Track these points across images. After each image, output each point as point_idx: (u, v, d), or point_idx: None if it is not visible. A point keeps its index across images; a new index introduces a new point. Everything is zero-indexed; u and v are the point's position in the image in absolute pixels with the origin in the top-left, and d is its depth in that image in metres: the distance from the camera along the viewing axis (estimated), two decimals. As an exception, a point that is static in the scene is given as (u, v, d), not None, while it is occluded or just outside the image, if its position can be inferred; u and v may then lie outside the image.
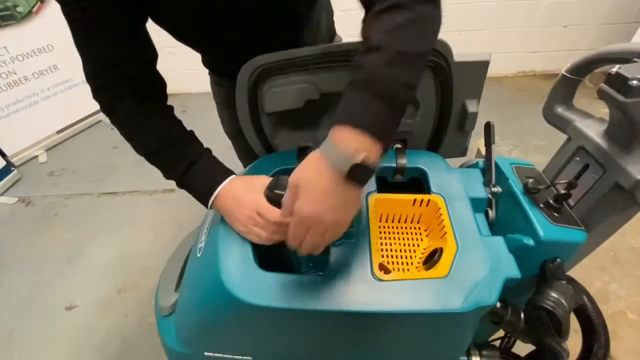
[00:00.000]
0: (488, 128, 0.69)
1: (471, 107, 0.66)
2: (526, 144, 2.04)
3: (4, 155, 2.00)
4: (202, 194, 0.57)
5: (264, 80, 0.64)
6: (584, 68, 0.57)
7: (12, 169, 2.00)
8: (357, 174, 0.38)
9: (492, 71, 2.49)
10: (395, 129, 0.41)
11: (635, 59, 0.48)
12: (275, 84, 0.64)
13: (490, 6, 2.42)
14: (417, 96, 0.66)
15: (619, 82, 0.44)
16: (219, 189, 0.55)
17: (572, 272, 1.49)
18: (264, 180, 0.55)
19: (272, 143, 0.75)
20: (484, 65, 0.61)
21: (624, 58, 0.50)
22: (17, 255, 1.59)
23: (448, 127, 0.70)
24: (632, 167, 0.48)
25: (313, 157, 0.40)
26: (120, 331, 1.28)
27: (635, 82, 0.42)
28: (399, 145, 0.71)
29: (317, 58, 0.60)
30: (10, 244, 1.65)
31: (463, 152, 0.77)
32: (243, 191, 0.54)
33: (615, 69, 0.45)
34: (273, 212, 0.51)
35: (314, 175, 0.39)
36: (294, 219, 0.42)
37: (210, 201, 0.57)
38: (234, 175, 0.58)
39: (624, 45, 0.50)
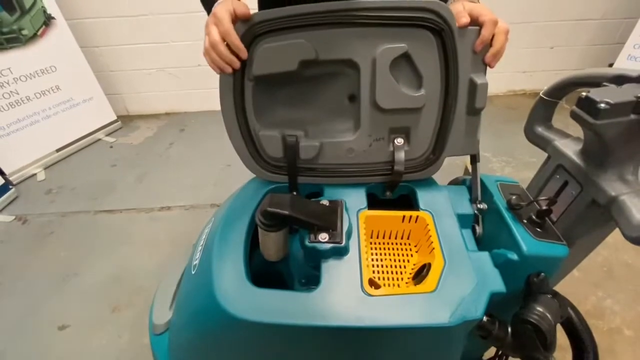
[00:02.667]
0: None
1: (480, 79, 0.61)
2: (518, 161, 2.08)
3: (2, 174, 2.01)
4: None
5: (257, 40, 0.60)
6: (559, 91, 0.60)
7: (10, 187, 2.01)
8: None
9: (482, 90, 2.47)
10: None
11: (604, 83, 0.51)
12: (268, 42, 0.60)
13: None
14: (419, 67, 0.61)
15: (589, 105, 0.47)
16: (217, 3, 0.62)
17: (567, 288, 1.50)
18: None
19: (252, 129, 0.68)
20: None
21: (595, 82, 0.53)
22: (11, 274, 1.58)
23: (456, 106, 0.64)
24: (607, 184, 0.50)
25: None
26: (113, 352, 1.26)
27: (603, 105, 0.45)
28: (400, 140, 0.67)
29: (318, 15, 0.58)
30: (5, 263, 1.64)
31: (474, 146, 0.68)
32: (222, 6, 0.60)
33: (585, 93, 0.48)
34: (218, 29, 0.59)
35: None
36: (502, 32, 0.59)
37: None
38: None
39: (594, 71, 0.54)
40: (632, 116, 0.46)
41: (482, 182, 0.67)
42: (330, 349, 0.54)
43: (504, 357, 0.73)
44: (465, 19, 0.57)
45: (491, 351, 0.75)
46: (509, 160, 2.12)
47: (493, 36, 0.58)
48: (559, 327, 0.55)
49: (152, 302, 0.85)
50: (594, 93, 0.47)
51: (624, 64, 2.31)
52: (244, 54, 0.61)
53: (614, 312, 1.31)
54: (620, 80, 0.50)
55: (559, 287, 1.42)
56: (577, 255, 0.60)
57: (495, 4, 2.74)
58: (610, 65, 2.48)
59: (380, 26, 0.58)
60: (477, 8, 0.58)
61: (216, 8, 0.60)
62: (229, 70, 0.61)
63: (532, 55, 2.69)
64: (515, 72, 2.78)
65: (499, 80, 2.80)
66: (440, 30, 0.58)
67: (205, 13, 0.69)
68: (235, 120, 0.67)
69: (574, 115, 0.49)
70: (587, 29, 2.59)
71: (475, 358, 0.80)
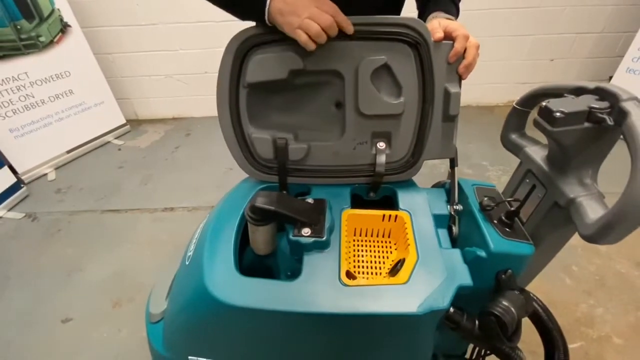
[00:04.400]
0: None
1: (453, 88, 0.67)
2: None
3: (15, 173, 2.10)
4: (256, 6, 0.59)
5: (251, 51, 0.65)
6: (530, 101, 0.65)
7: (22, 185, 2.10)
8: None
9: (483, 100, 2.60)
10: None
11: (565, 94, 0.56)
12: (261, 53, 0.65)
13: (479, 40, 2.57)
14: (398, 77, 0.67)
15: (547, 114, 0.51)
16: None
17: (558, 296, 1.50)
18: None
19: (246, 132, 0.73)
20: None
21: (558, 93, 0.57)
22: (19, 269, 1.65)
23: (433, 113, 0.69)
24: (567, 187, 0.54)
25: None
26: (113, 345, 1.31)
27: (558, 114, 0.49)
28: (382, 144, 0.72)
29: None
30: (14, 258, 1.71)
31: (451, 151, 0.73)
32: None
33: (544, 103, 0.52)
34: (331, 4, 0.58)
35: None
36: (473, 46, 0.64)
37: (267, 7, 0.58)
38: None
39: (557, 83, 0.58)
40: (586, 124, 0.50)
41: (459, 185, 0.71)
42: (308, 333, 0.58)
43: (482, 352, 0.76)
44: (440, 34, 0.62)
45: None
46: (506, 169, 2.14)
47: (465, 50, 0.63)
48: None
49: (150, 293, 0.90)
50: (552, 103, 0.51)
51: (623, 77, 2.34)
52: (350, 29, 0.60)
53: (604, 320, 1.32)
54: (579, 91, 0.54)
55: (551, 292, 1.43)
56: (545, 255, 0.63)
57: (497, 16, 2.79)
58: (610, 77, 2.51)
59: (363, 40, 0.64)
60: (451, 24, 0.63)
61: None
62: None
63: (532, 67, 2.73)
64: (516, 83, 2.82)
65: (499, 90, 2.84)
66: (416, 44, 0.63)
67: (213, 24, 0.73)
68: (230, 123, 0.72)
69: (536, 123, 0.53)
70: (587, 42, 2.62)
71: (457, 355, 0.82)
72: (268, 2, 0.58)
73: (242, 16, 0.65)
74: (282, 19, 0.58)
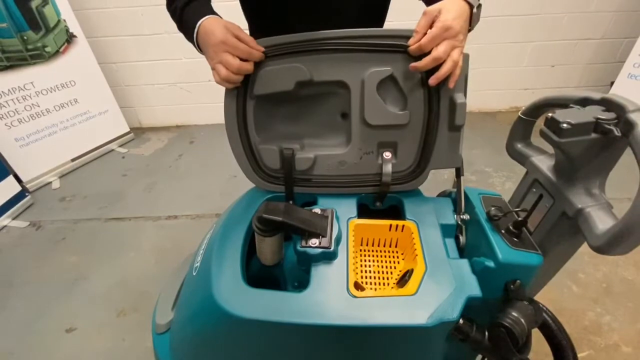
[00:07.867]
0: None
1: (459, 98, 0.66)
2: (518, 176, 2.09)
3: (19, 181, 2.11)
4: (189, 30, 0.67)
5: (257, 65, 0.66)
6: (535, 111, 0.65)
7: (26, 194, 2.11)
8: (477, 11, 0.63)
9: (486, 106, 2.60)
10: None
11: (571, 105, 0.56)
12: (268, 65, 0.67)
13: (481, 47, 2.59)
14: (404, 88, 0.67)
15: (554, 125, 0.51)
16: (198, 23, 0.66)
17: (565, 303, 1.49)
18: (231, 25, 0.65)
19: (253, 143, 0.74)
20: (465, 58, 0.64)
21: (564, 103, 0.58)
22: (23, 278, 1.65)
23: (439, 123, 0.69)
24: (575, 197, 0.54)
25: None
26: (117, 355, 1.30)
27: (565, 125, 0.50)
28: (388, 154, 0.72)
29: (312, 42, 0.64)
30: (18, 267, 1.71)
31: (457, 160, 0.73)
32: (216, 25, 0.64)
33: (551, 114, 0.53)
34: (244, 37, 0.64)
35: (454, 4, 0.60)
36: (436, 28, 0.58)
37: (194, 35, 0.67)
38: (212, 15, 0.67)
39: (562, 94, 0.59)
40: (594, 135, 0.50)
41: (465, 194, 0.71)
42: (317, 344, 0.58)
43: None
44: (423, 64, 0.61)
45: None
46: (510, 175, 2.14)
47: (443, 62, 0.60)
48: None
49: (156, 303, 0.90)
50: (559, 114, 0.51)
51: (624, 83, 2.34)
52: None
53: (612, 328, 1.31)
54: (585, 102, 0.54)
55: (557, 300, 1.42)
56: (553, 265, 0.63)
57: (498, 24, 2.80)
58: (612, 83, 2.51)
59: (368, 52, 0.65)
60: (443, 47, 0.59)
61: (216, 34, 0.62)
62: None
63: (534, 73, 2.74)
64: (518, 90, 2.83)
65: (502, 97, 2.85)
66: (421, 55, 0.64)
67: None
68: (237, 134, 0.73)
69: (542, 134, 0.54)
70: (588, 48, 2.64)
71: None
72: (195, 36, 0.67)
73: (189, 40, 0.70)
74: (205, 54, 0.67)
